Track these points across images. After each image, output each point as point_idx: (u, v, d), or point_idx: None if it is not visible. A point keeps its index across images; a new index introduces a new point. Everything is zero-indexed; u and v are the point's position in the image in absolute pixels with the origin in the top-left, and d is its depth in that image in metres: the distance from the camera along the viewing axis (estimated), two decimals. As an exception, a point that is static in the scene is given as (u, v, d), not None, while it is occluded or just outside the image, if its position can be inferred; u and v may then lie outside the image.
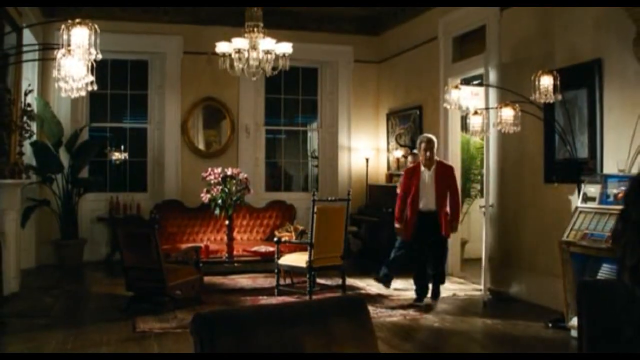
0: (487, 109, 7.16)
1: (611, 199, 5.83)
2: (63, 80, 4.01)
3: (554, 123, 7.03)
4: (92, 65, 3.98)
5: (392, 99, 11.46)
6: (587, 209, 5.97)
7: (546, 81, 6.21)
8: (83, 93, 4.27)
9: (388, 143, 11.49)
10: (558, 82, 6.32)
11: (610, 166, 6.40)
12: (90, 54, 3.87)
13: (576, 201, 6.39)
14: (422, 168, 7.55)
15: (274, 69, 7.95)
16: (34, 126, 8.83)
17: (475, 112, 6.88)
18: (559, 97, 6.31)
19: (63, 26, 3.97)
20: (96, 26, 4.01)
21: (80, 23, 3.93)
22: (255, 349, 2.30)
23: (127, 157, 11.32)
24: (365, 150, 11.56)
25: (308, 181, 12.34)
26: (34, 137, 9.17)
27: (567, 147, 6.81)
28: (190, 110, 11.12)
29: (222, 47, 7.87)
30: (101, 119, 10.95)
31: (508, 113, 6.53)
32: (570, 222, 6.02)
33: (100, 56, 4.02)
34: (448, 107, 7.42)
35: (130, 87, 11.24)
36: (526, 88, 6.76)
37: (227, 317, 2.44)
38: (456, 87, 7.17)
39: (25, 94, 8.22)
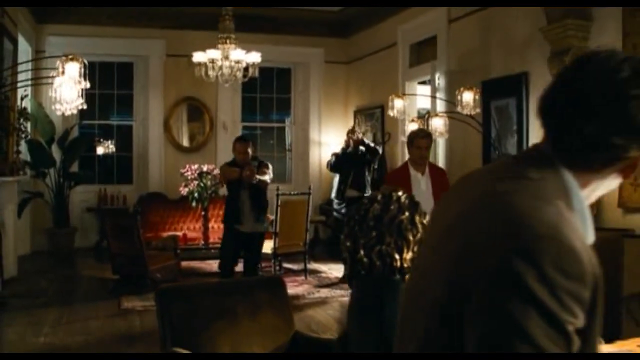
0: (420, 117, 8.12)
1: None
2: (59, 102, 4.93)
3: (489, 127, 8.01)
4: (82, 91, 4.89)
5: (359, 97, 12.40)
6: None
7: (467, 96, 7.17)
8: (75, 112, 5.20)
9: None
10: (478, 97, 7.32)
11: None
12: (80, 82, 4.78)
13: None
14: (413, 172, 6.14)
15: (244, 75, 8.88)
16: (28, 126, 9.72)
17: (412, 120, 7.83)
18: (478, 109, 7.29)
19: (58, 61, 4.85)
20: (85, 61, 4.89)
21: (72, 59, 4.83)
22: (200, 312, 3.28)
23: (114, 152, 12.22)
24: (335, 145, 12.47)
25: (286, 174, 13.24)
26: (29, 136, 10.05)
27: (499, 149, 7.80)
28: (172, 108, 12.01)
29: (198, 56, 8.77)
30: (90, 117, 11.84)
31: (438, 122, 7.50)
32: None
33: (88, 85, 4.91)
34: (391, 113, 8.32)
35: (116, 87, 12.12)
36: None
37: (180, 290, 3.44)
38: (400, 96, 8.11)
39: (22, 99, 9.11)
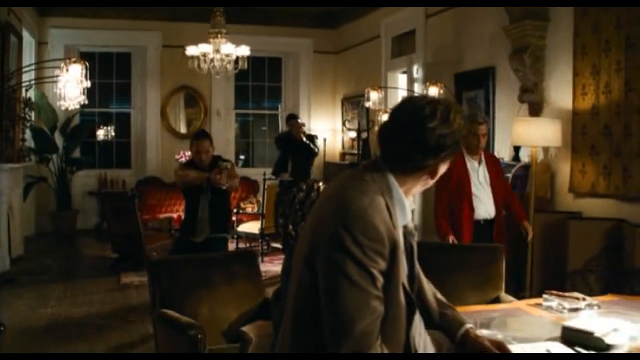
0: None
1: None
2: (63, 99, 5.57)
3: (461, 116, 8.64)
4: (84, 89, 5.53)
5: (346, 86, 13.04)
6: (472, 188, 7.58)
7: (433, 90, 7.82)
8: (77, 107, 5.84)
9: (343, 125, 13.10)
10: (443, 90, 8.07)
11: (501, 154, 7.98)
12: (82, 82, 5.42)
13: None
14: (469, 162, 5.62)
15: (234, 68, 9.50)
16: (32, 115, 10.34)
17: (386, 111, 8.46)
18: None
19: (62, 64, 5.48)
20: (87, 63, 5.53)
21: (75, 61, 5.46)
22: (184, 280, 3.94)
23: (113, 138, 12.88)
24: (323, 131, 13.13)
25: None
26: (33, 124, 10.67)
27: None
28: (169, 96, 12.65)
29: (191, 50, 9.38)
30: (90, 105, 12.43)
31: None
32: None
33: (89, 84, 5.53)
34: (367, 105, 8.95)
35: (115, 76, 12.77)
36: (445, 83, 8.51)
37: (167, 262, 4.12)
38: (376, 88, 8.74)
39: (26, 90, 9.74)
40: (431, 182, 2.24)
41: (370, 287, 1.97)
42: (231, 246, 8.67)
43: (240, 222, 9.50)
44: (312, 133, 10.34)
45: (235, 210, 9.57)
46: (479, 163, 5.63)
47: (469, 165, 5.57)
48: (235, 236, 9.39)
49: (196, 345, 3.33)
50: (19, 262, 8.88)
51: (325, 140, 13.06)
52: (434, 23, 9.63)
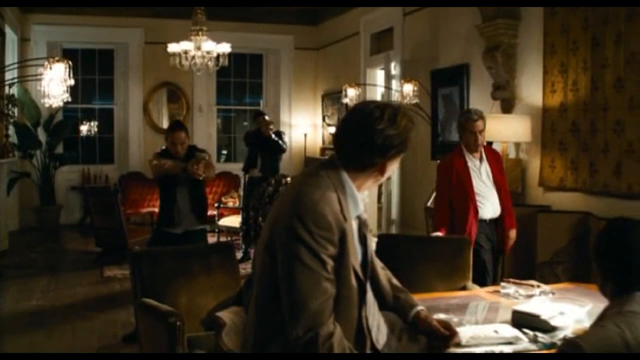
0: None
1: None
2: (47, 97, 5.73)
3: (437, 112, 8.87)
4: (67, 87, 5.69)
5: (326, 82, 13.23)
6: (446, 182, 7.81)
7: (408, 87, 8.03)
8: (61, 104, 6.00)
9: (323, 121, 13.30)
10: (417, 87, 8.31)
11: (475, 148, 8.22)
12: (66, 81, 5.58)
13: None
14: (470, 160, 5.47)
15: (216, 65, 9.66)
16: (15, 111, 10.45)
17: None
18: (416, 100, 8.16)
19: (46, 62, 5.64)
20: (70, 62, 5.69)
21: (59, 60, 5.62)
22: (164, 271, 4.12)
23: (96, 134, 13.03)
24: (304, 126, 13.35)
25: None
26: (16, 120, 10.78)
27: (442, 134, 8.67)
28: (151, 93, 12.79)
29: (172, 47, 9.53)
30: (73, 101, 12.53)
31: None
32: (434, 192, 7.87)
33: (72, 82, 5.70)
34: (344, 101, 9.16)
35: (98, 72, 12.89)
36: (422, 80, 8.74)
37: (148, 253, 4.30)
38: (353, 85, 8.94)
39: (10, 86, 9.85)
40: (382, 179, 2.46)
41: (321, 270, 2.20)
42: (213, 240, 8.88)
43: (221, 216, 9.68)
44: (280, 129, 10.50)
45: (216, 205, 9.75)
46: (481, 161, 5.47)
47: (470, 164, 5.43)
48: (216, 230, 9.57)
49: (175, 332, 3.51)
50: (3, 257, 9.04)
51: (305, 135, 13.26)
52: (411, 21, 9.83)
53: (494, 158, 5.60)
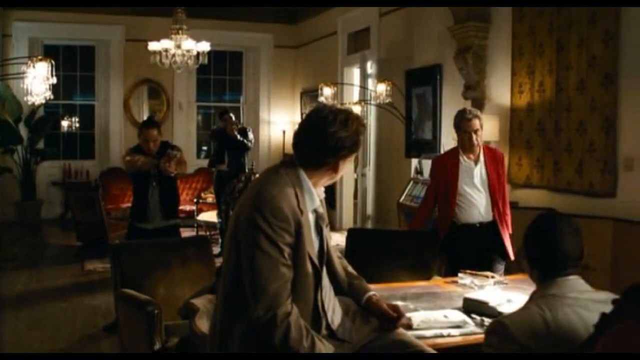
0: (342, 104, 9.20)
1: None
2: (30, 94, 5.92)
3: (411, 111, 9.11)
4: (50, 85, 5.88)
5: (305, 80, 13.45)
6: (418, 179, 8.07)
7: (381, 87, 8.27)
8: (43, 101, 6.19)
9: (302, 118, 13.49)
10: (390, 87, 8.51)
11: (446, 147, 8.42)
12: (48, 79, 5.78)
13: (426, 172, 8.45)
14: (464, 161, 5.19)
15: (195, 63, 9.85)
16: (-4, 106, 10.61)
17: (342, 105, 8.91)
18: (389, 99, 8.40)
19: (29, 61, 5.83)
20: (52, 61, 5.88)
21: (41, 59, 5.82)
22: (143, 263, 4.34)
23: (77, 130, 13.18)
24: (283, 123, 13.57)
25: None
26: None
27: (415, 133, 8.92)
28: (132, 89, 12.95)
29: (153, 45, 9.70)
30: (55, 97, 12.65)
31: (355, 110, 8.58)
32: (406, 188, 8.13)
33: (55, 80, 5.89)
34: (320, 99, 9.39)
35: (79, 69, 13.03)
36: (397, 79, 8.99)
37: (128, 246, 4.51)
38: (329, 84, 9.18)
39: (-9, 82, 10.02)
40: (336, 177, 2.73)
41: (279, 257, 2.47)
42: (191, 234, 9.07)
43: (200, 211, 9.89)
44: (245, 126, 10.70)
45: (195, 200, 9.96)
46: (476, 163, 5.14)
47: (462, 165, 5.13)
48: (195, 225, 9.77)
49: (153, 321, 3.72)
50: (-16, 251, 9.22)
51: (284, 132, 13.47)
52: (387, 21, 10.05)
53: (493, 160, 5.22)
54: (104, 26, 12.58)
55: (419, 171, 8.19)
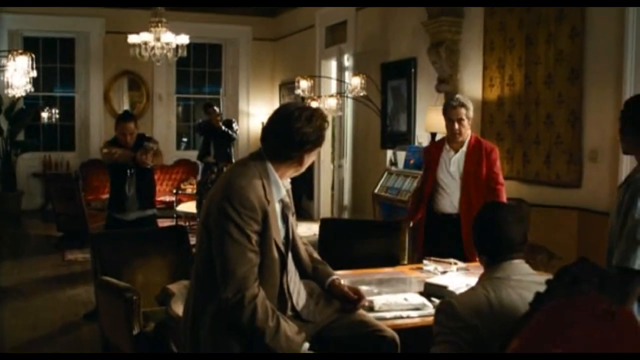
0: (319, 96, 9.38)
1: (411, 163, 8.07)
2: (10, 87, 6.03)
3: (386, 104, 9.29)
4: (30, 79, 5.99)
5: (283, 72, 13.60)
6: (392, 170, 8.25)
7: (355, 81, 8.45)
8: (23, 94, 6.30)
9: (281, 110, 13.66)
10: (364, 81, 8.68)
11: (421, 139, 8.62)
12: (29, 73, 5.89)
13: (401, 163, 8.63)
14: (446, 150, 5.14)
15: (175, 55, 9.97)
16: (-24, 99, 10.66)
17: (313, 99, 9.08)
18: (363, 92, 8.58)
19: (10, 55, 5.94)
20: (33, 55, 5.99)
21: (22, 53, 5.93)
22: (122, 252, 4.50)
23: (58, 122, 13.26)
24: (262, 115, 13.69)
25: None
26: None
27: (391, 125, 9.11)
28: (112, 81, 13.05)
29: (132, 38, 9.81)
30: (35, 89, 12.67)
31: (331, 102, 8.77)
32: (380, 179, 8.31)
33: (35, 74, 6.00)
34: (297, 92, 9.55)
35: (59, 61, 13.11)
36: (373, 72, 9.13)
37: (107, 235, 4.67)
38: (306, 78, 9.33)
39: (-30, 74, 10.06)
40: (302, 169, 2.91)
41: (247, 243, 2.66)
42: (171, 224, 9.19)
43: (179, 202, 10.04)
44: (230, 118, 10.93)
45: (174, 191, 10.11)
46: (457, 151, 5.06)
47: (443, 153, 5.09)
48: (174, 215, 9.92)
49: (132, 307, 3.87)
50: (-34, 242, 9.32)
51: (263, 124, 13.58)
52: (364, 15, 10.21)
53: (477, 151, 5.04)
54: (83, 18, 12.64)
55: (393, 162, 8.38)
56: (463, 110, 4.97)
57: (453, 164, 5.03)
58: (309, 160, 2.87)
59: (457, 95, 5.34)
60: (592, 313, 2.05)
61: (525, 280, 2.42)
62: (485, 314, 2.31)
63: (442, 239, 4.94)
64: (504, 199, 5.03)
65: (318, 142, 2.83)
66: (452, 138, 5.06)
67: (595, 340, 2.05)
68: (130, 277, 4.39)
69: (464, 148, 5.04)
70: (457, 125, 4.97)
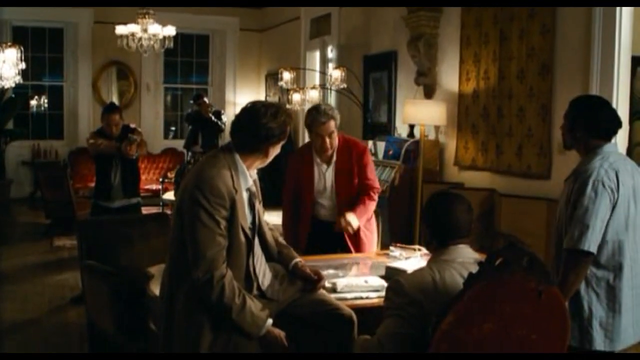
0: (302, 88, 9.58)
1: (390, 154, 8.29)
2: (0, 79, 6.26)
3: (368, 95, 9.52)
4: (19, 70, 6.22)
5: (269, 63, 13.80)
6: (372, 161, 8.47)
7: (336, 73, 8.67)
8: (13, 85, 6.52)
9: (266, 99, 13.87)
10: (345, 74, 8.93)
11: (400, 131, 8.84)
12: (18, 65, 6.11)
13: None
14: (317, 162, 4.71)
15: (162, 46, 10.17)
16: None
17: (295, 90, 9.29)
18: (344, 84, 8.81)
19: (-1, 48, 6.16)
20: (22, 48, 6.21)
21: (11, 45, 6.15)
22: (107, 237, 4.72)
23: (46, 110, 13.44)
24: (248, 105, 13.91)
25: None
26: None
27: (372, 117, 9.34)
28: (100, 71, 13.22)
29: (120, 29, 10.00)
30: (24, 78, 12.82)
31: (313, 94, 8.99)
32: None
33: (24, 65, 6.22)
34: (280, 84, 9.77)
35: (48, 50, 13.27)
36: (356, 65, 9.35)
37: (93, 221, 4.90)
38: (289, 70, 9.54)
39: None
40: (267, 161, 3.17)
41: (215, 228, 2.92)
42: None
43: (166, 190, 10.25)
44: (219, 109, 11.30)
45: (161, 180, 10.34)
46: (329, 165, 4.67)
47: (316, 169, 4.69)
48: (160, 203, 10.14)
49: (115, 288, 4.10)
50: (-45, 229, 9.51)
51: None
52: (347, 8, 10.41)
53: (348, 158, 4.67)
54: (72, 8, 12.73)
55: (373, 153, 8.60)
56: (332, 123, 4.53)
57: (328, 180, 4.67)
58: (273, 152, 3.13)
59: (322, 106, 4.71)
60: (521, 291, 2.31)
61: (468, 262, 2.68)
62: (429, 291, 2.56)
63: (324, 245, 4.54)
64: (373, 206, 4.74)
65: (282, 136, 3.09)
66: (321, 154, 4.63)
67: (524, 315, 2.31)
68: (115, 262, 4.61)
69: (333, 160, 4.64)
70: (328, 140, 4.51)
